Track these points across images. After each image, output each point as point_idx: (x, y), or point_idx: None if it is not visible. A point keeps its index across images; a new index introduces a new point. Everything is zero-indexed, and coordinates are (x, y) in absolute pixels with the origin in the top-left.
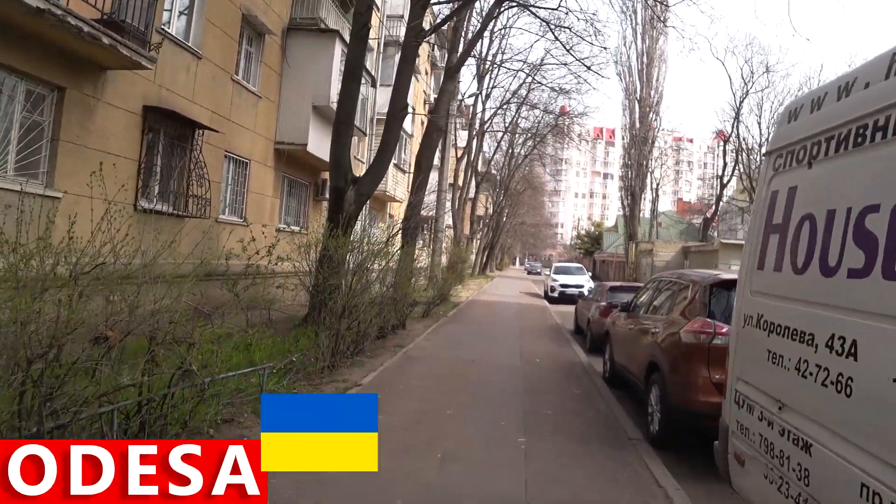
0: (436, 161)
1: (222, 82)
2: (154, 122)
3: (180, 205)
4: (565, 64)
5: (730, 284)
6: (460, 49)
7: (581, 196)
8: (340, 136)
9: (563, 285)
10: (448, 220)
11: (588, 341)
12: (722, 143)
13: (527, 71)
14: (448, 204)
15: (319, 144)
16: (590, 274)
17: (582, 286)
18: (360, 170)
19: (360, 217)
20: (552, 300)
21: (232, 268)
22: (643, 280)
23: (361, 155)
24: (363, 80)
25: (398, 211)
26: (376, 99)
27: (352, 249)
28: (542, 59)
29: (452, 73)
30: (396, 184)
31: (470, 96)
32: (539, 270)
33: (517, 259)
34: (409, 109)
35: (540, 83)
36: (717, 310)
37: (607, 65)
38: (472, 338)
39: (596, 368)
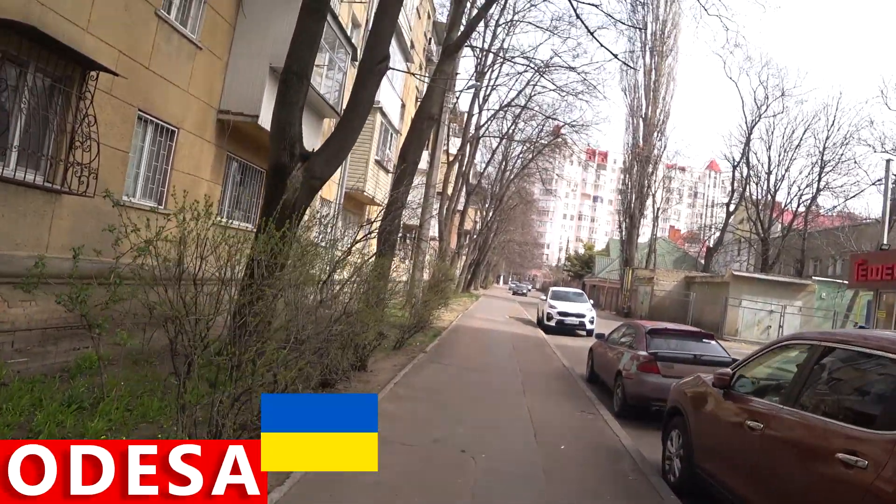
0: (423, 164)
1: (142, 16)
2: (16, 48)
3: (55, 175)
4: (572, 68)
5: None
6: (462, 25)
7: (570, 218)
8: (289, 91)
9: (561, 313)
10: (434, 230)
11: (619, 403)
12: (715, 173)
13: (534, 68)
14: (435, 212)
15: None
16: (591, 302)
17: (583, 316)
18: None
19: (313, 211)
20: (548, 329)
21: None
22: (640, 310)
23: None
24: (339, 43)
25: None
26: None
27: (298, 256)
28: (549, 60)
29: (451, 52)
30: (377, 184)
31: (469, 88)
32: (525, 291)
33: (500, 277)
34: (398, 98)
35: (544, 87)
36: None
37: (612, 77)
38: (459, 393)
39: (649, 458)
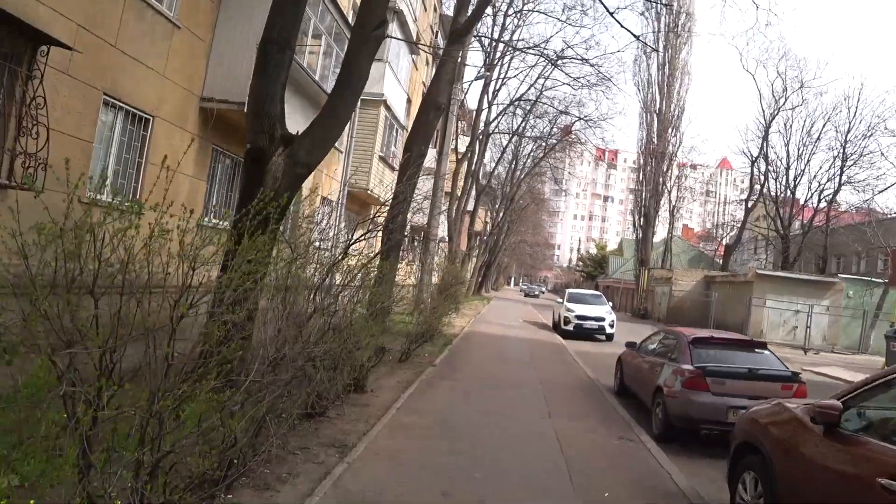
0: (431, 161)
1: None
2: None
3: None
4: (585, 59)
5: None
6: (472, 5)
7: (580, 218)
8: (268, 63)
9: (579, 317)
10: (443, 231)
11: (660, 425)
12: (727, 171)
13: (546, 58)
14: (444, 211)
15: None
16: (611, 304)
17: (603, 319)
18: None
19: (300, 204)
20: (565, 334)
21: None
22: (657, 312)
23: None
24: (332, 18)
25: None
26: None
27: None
28: (562, 51)
29: (459, 35)
30: (382, 182)
31: (478, 78)
32: (537, 293)
33: (511, 279)
34: (404, 92)
35: (556, 80)
36: None
37: (625, 71)
38: (474, 418)
39: (710, 502)
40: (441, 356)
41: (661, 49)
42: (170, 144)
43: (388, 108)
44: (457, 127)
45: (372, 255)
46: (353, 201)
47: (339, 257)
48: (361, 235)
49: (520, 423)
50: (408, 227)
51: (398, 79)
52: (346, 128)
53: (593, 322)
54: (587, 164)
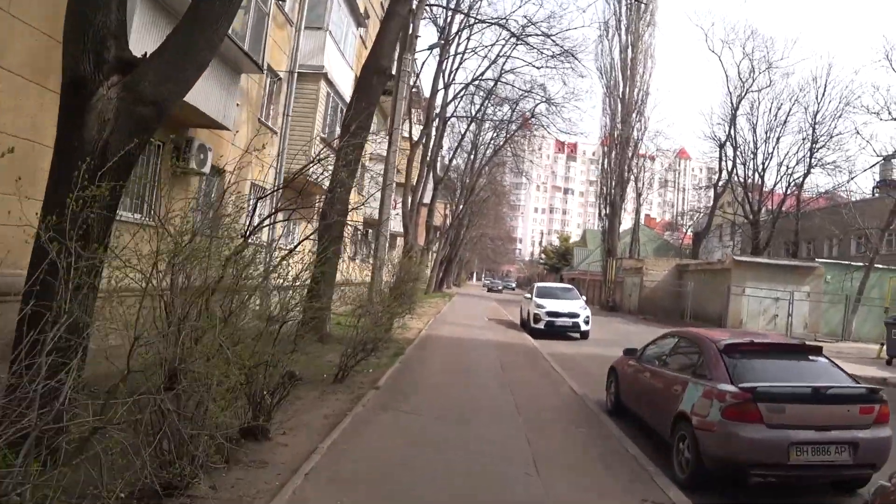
0: (380, 148)
1: None
2: None
3: None
4: (548, 35)
5: None
6: None
7: (541, 211)
8: None
9: (551, 314)
10: (396, 225)
11: (688, 467)
12: (685, 161)
13: (509, 31)
14: (396, 203)
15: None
16: (584, 298)
17: (576, 315)
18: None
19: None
20: (536, 333)
21: None
22: (628, 303)
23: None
24: None
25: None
26: None
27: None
28: (524, 27)
29: None
30: (326, 168)
31: (432, 47)
32: (500, 287)
33: (474, 274)
34: (349, 67)
35: (516, 59)
36: None
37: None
38: (428, 482)
39: None
40: (389, 372)
41: (623, 32)
42: (19, 106)
43: (329, 83)
44: (409, 110)
45: (290, 248)
46: (292, 190)
47: (238, 249)
48: (263, 220)
49: (497, 490)
50: (357, 219)
51: (341, 51)
52: (283, 103)
53: (566, 319)
54: (546, 157)
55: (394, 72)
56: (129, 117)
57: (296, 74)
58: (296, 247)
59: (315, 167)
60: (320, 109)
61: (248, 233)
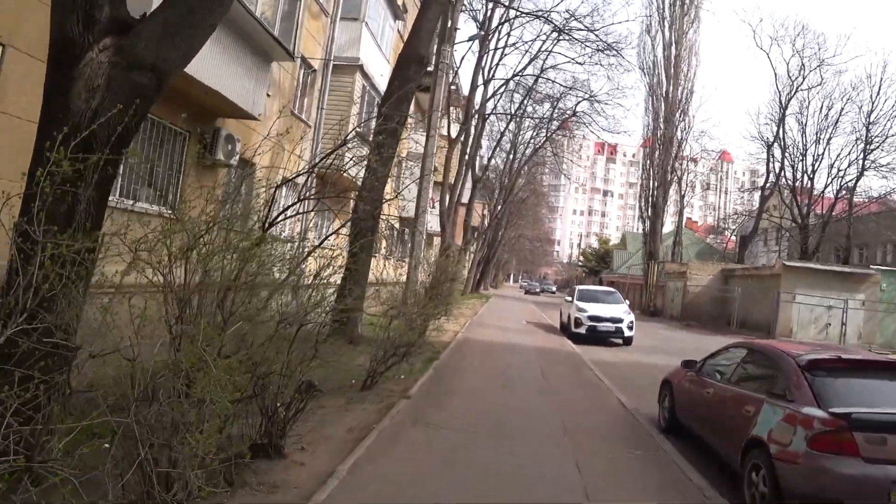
0: (416, 147)
1: None
2: None
3: None
4: (592, 30)
5: None
6: None
7: (579, 213)
8: None
9: (593, 318)
10: (432, 224)
11: (763, 501)
12: (728, 164)
13: (552, 23)
14: (434, 201)
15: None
16: (628, 302)
17: (620, 321)
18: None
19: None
20: (577, 338)
21: None
22: (670, 309)
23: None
24: None
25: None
26: None
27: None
28: (567, 21)
29: None
30: (361, 163)
31: (472, 39)
32: (538, 290)
33: (511, 276)
34: (386, 61)
35: (558, 54)
36: None
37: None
38: None
39: None
40: (422, 379)
41: (666, 29)
42: (32, 88)
43: (365, 75)
44: (448, 106)
45: (319, 242)
46: (325, 187)
47: (256, 242)
48: (285, 210)
49: None
50: (390, 213)
51: (377, 43)
52: (317, 96)
53: (609, 324)
54: (586, 158)
55: (430, 59)
56: (122, 84)
57: (331, 66)
58: (322, 241)
59: (347, 158)
60: (356, 102)
61: (266, 225)
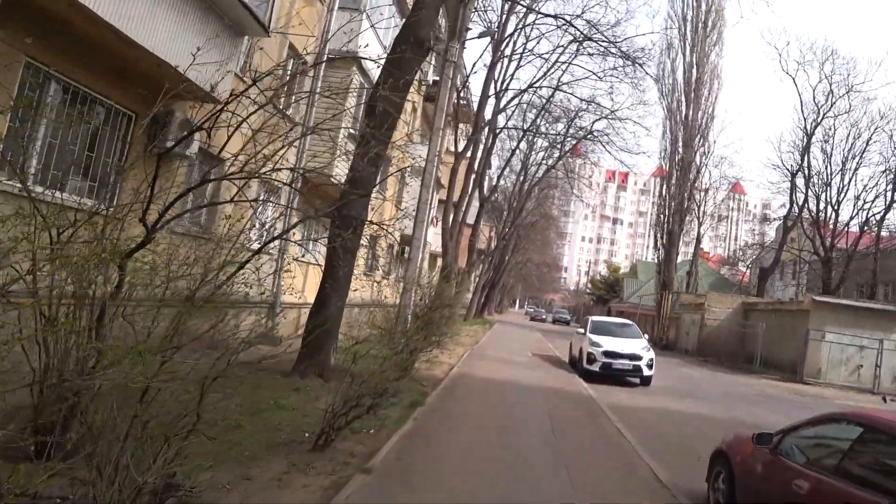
0: (421, 161)
1: None
2: None
3: None
4: (613, 42)
5: None
6: None
7: (588, 241)
8: None
9: (608, 354)
10: (434, 245)
11: None
12: (740, 195)
13: (576, 28)
14: (437, 220)
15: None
16: (646, 336)
17: (638, 358)
18: None
19: None
20: (589, 375)
21: None
22: (685, 343)
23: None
24: None
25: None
26: None
27: None
28: (589, 29)
29: None
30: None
31: (482, 36)
32: (544, 317)
33: (517, 301)
34: (382, 46)
35: (576, 66)
36: None
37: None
38: None
39: None
40: (395, 437)
41: (687, 51)
42: None
43: (362, 71)
44: (457, 120)
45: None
46: (314, 192)
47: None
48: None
49: None
50: (388, 227)
51: (379, 38)
52: (306, 91)
53: (626, 361)
54: (596, 185)
55: (431, 44)
56: None
57: (324, 58)
58: (266, 244)
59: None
60: (350, 100)
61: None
